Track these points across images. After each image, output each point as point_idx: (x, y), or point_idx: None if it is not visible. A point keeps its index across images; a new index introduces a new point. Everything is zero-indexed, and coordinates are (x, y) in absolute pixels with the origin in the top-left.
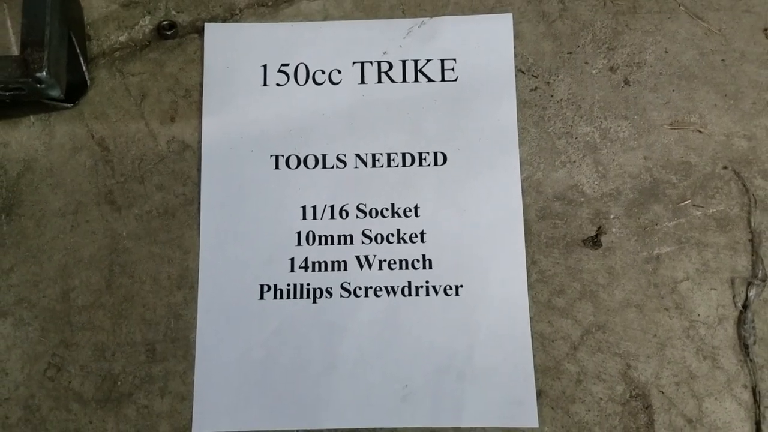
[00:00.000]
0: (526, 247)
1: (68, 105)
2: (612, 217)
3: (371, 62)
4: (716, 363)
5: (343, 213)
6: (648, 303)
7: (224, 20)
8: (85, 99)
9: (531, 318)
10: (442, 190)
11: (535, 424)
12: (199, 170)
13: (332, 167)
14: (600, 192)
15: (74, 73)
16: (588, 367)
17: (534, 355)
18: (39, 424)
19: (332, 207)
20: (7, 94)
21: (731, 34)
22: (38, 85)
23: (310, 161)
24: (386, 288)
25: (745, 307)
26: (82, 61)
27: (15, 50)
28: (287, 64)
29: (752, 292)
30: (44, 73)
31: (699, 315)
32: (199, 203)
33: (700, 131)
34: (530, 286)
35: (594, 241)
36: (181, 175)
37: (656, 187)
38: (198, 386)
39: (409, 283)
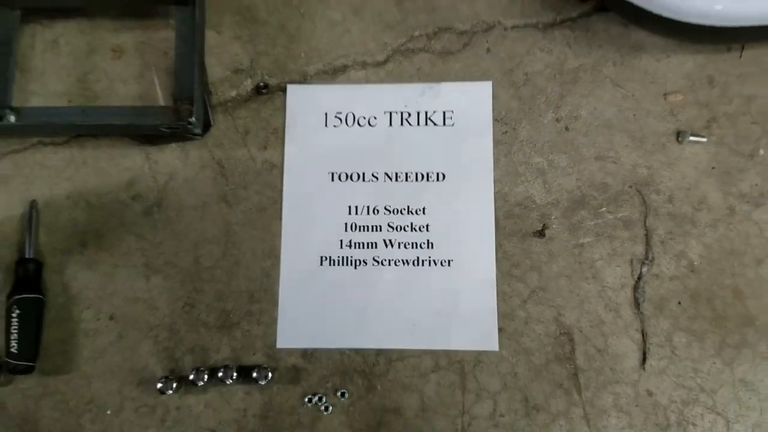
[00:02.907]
0: (496, 235)
1: (200, 137)
2: (553, 218)
3: (396, 112)
4: (618, 314)
5: (375, 211)
6: (574, 274)
7: (300, 83)
8: (209, 133)
9: (497, 281)
10: (442, 197)
11: (495, 348)
12: (281, 181)
13: (369, 181)
14: (546, 201)
15: (204, 117)
16: (532, 314)
17: (497, 305)
18: (178, 341)
19: (368, 207)
20: (167, 131)
21: (641, 98)
22: (189, 126)
23: (354, 177)
24: (403, 261)
25: (638, 278)
26: (209, 109)
27: (161, 101)
28: (341, 112)
29: (644, 269)
30: (194, 119)
31: (608, 282)
32: (282, 203)
33: (614, 162)
34: (497, 261)
35: (540, 233)
36: (270, 185)
37: (583, 199)
38: (280, 318)
39: (418, 257)
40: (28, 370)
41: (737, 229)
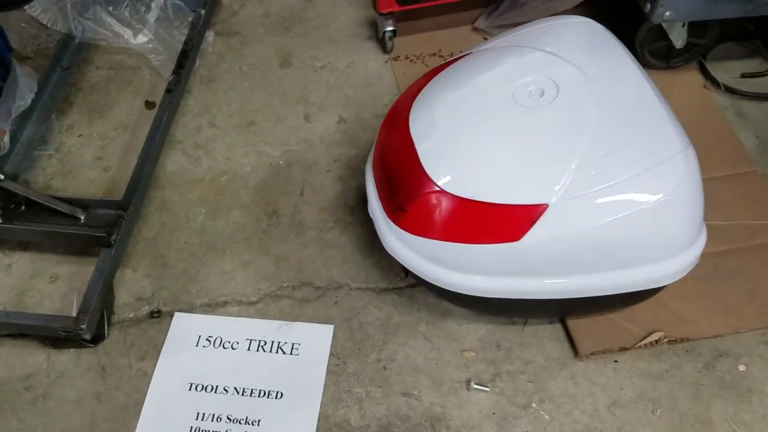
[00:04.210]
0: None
1: (92, 345)
2: None
3: (255, 340)
4: None
5: (218, 419)
6: None
7: (186, 312)
8: (102, 343)
9: None
10: (277, 412)
11: None
12: (147, 386)
13: (220, 393)
14: (359, 425)
15: (98, 329)
16: None
17: None
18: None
19: (213, 415)
20: (63, 334)
21: (443, 350)
22: (79, 332)
23: (209, 388)
24: None
25: None
26: (105, 324)
27: (73, 313)
28: (211, 336)
29: None
30: (85, 326)
31: None
32: (143, 404)
33: (417, 399)
34: None
35: None
36: (138, 389)
37: (389, 426)
38: None
39: None
40: None
41: None
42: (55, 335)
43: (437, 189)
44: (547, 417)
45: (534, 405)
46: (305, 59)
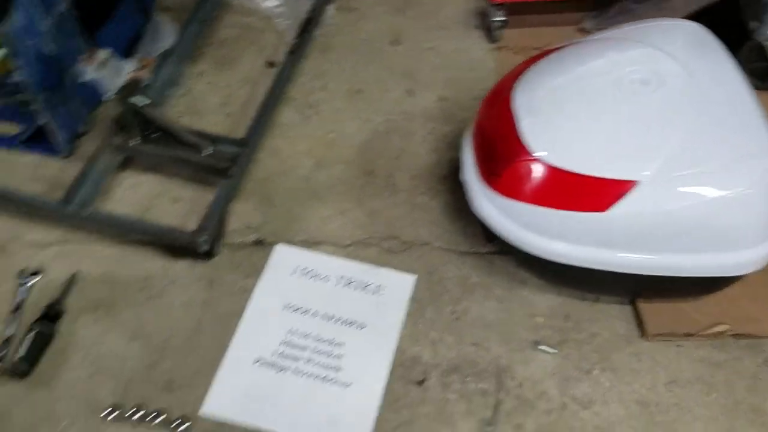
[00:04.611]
0: (389, 377)
1: (205, 260)
2: (432, 374)
3: (344, 277)
4: None
5: (306, 336)
6: (437, 418)
7: (286, 244)
8: (212, 260)
9: (379, 409)
10: (359, 340)
11: None
12: (247, 301)
13: (312, 316)
14: (431, 362)
15: (211, 247)
16: None
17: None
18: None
19: (304, 334)
20: (178, 245)
21: (514, 313)
22: (198, 243)
23: (301, 311)
24: (314, 375)
25: None
26: (217, 244)
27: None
28: (306, 268)
29: (488, 429)
30: (202, 240)
31: None
32: (242, 315)
33: (486, 350)
34: (384, 394)
35: (420, 383)
36: (238, 302)
37: (457, 368)
38: (213, 390)
39: (326, 376)
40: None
41: (566, 421)
42: (175, 245)
43: (533, 157)
44: (607, 384)
45: (596, 372)
46: (415, 40)
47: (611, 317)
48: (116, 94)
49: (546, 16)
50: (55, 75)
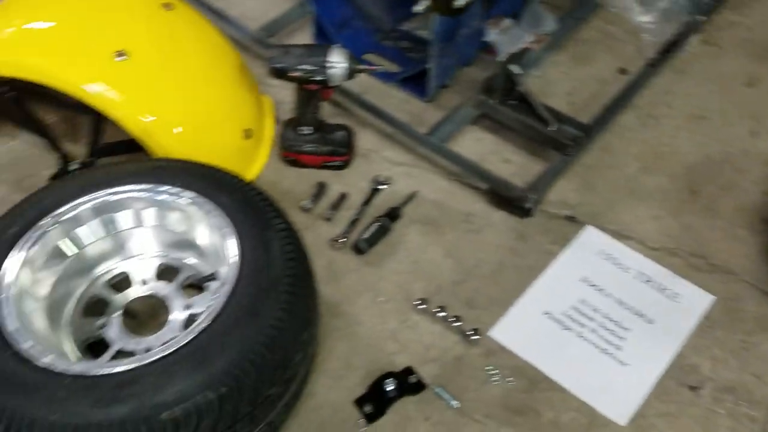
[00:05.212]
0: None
1: (527, 217)
2: None
3: (644, 274)
4: None
5: (595, 311)
6: None
7: (597, 228)
8: (529, 218)
9: (654, 385)
10: (644, 326)
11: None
12: (554, 257)
13: (606, 296)
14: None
15: (530, 209)
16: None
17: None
18: None
19: (593, 307)
20: (514, 195)
21: None
22: (525, 200)
23: (597, 287)
24: (594, 344)
25: None
26: (534, 208)
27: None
28: (615, 258)
29: None
30: (531, 196)
31: None
32: (545, 268)
33: None
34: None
35: None
36: (548, 253)
37: None
38: (504, 319)
39: (606, 349)
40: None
41: None
42: (504, 194)
43: None
44: None
45: None
46: None
47: None
48: (504, 59)
49: None
50: (452, 31)
